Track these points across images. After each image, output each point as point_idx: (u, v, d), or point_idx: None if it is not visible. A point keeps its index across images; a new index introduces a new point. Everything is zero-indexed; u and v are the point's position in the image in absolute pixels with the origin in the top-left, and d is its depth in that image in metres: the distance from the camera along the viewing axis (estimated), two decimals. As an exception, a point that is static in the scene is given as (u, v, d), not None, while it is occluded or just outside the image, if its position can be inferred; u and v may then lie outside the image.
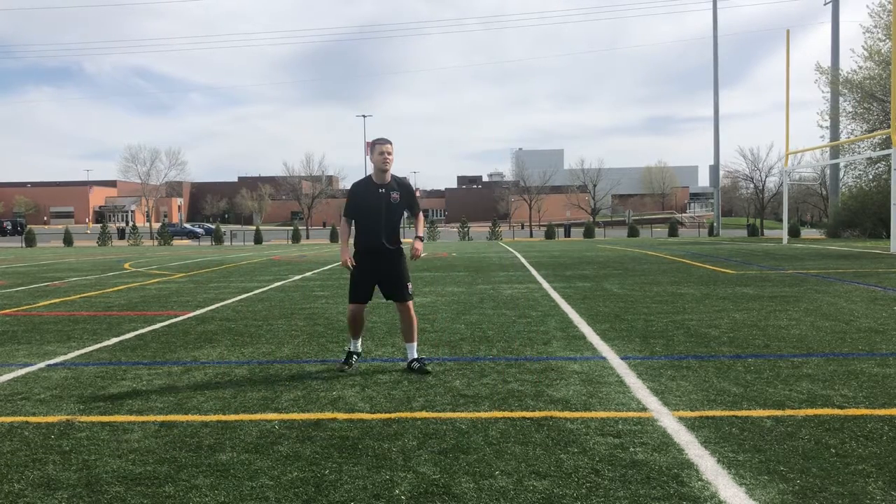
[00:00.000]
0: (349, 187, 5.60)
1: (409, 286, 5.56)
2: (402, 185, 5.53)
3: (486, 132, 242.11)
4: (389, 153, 5.40)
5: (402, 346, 5.88)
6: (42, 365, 5.92)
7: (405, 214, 5.79)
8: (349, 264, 5.47)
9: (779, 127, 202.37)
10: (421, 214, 5.76)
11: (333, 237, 51.88)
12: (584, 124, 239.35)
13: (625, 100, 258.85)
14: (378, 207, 5.38)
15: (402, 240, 5.62)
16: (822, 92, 38.98)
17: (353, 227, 5.57)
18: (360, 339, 5.71)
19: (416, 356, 5.50)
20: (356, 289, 5.50)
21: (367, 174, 5.59)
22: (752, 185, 62.47)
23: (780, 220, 46.72)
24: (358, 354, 5.65)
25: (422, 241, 5.62)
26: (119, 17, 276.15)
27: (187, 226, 77.63)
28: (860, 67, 36.47)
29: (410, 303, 5.54)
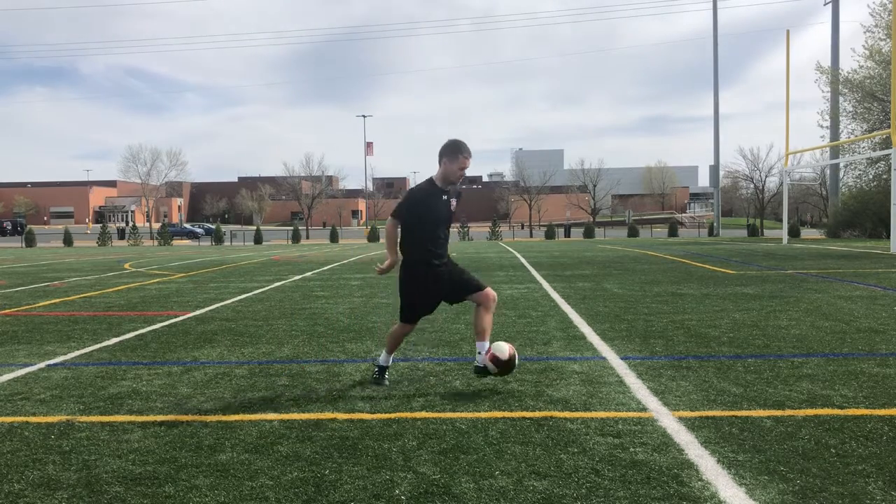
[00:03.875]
0: (408, 191, 4.96)
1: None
2: (458, 193, 5.04)
3: (482, 132, 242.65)
4: (467, 168, 4.85)
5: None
6: (42, 365, 5.92)
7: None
8: (383, 270, 4.91)
9: (775, 127, 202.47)
10: None
11: (333, 237, 51.87)
12: (580, 124, 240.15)
13: (621, 100, 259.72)
14: (442, 217, 4.84)
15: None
16: (823, 92, 39.01)
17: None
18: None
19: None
20: (414, 310, 4.95)
21: (429, 177, 4.95)
22: (752, 186, 62.50)
23: (780, 221, 46.70)
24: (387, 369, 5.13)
25: None
26: (110, 18, 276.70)
27: (187, 226, 77.61)
28: (860, 67, 36.48)
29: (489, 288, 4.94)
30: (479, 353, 4.80)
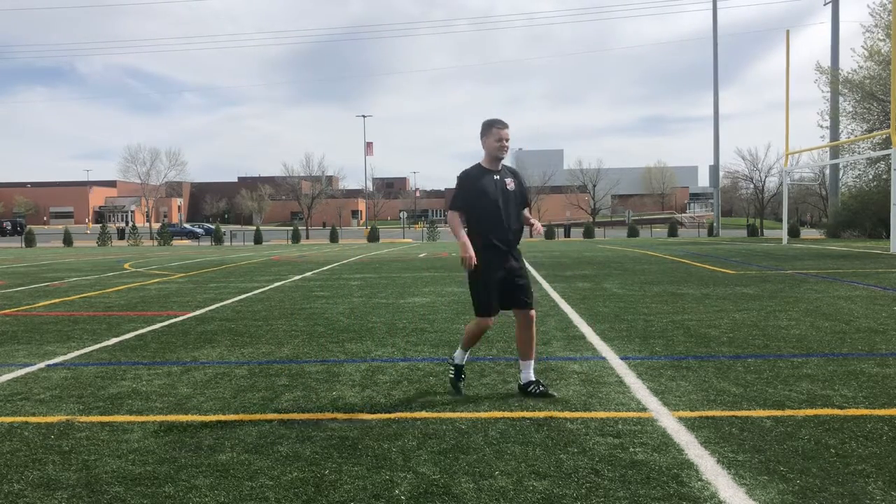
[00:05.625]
0: (459, 176, 4.72)
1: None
2: (514, 172, 4.83)
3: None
4: (508, 139, 4.61)
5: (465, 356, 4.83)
6: (42, 365, 5.92)
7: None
8: (473, 263, 4.51)
9: (774, 127, 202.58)
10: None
11: (333, 237, 51.87)
12: (579, 124, 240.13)
13: (619, 100, 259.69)
14: (496, 196, 4.58)
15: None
16: (822, 92, 39.02)
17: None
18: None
19: (533, 377, 4.67)
20: (490, 297, 4.60)
21: (476, 162, 4.76)
22: (751, 186, 62.51)
23: (780, 221, 46.72)
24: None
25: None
26: (108, 18, 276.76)
27: (187, 226, 77.61)
28: (860, 67, 36.49)
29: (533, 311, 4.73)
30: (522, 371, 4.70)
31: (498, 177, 4.63)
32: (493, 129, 4.60)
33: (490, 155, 4.64)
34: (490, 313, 4.63)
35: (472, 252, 4.50)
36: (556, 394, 4.57)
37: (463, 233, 4.61)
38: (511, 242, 4.63)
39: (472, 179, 4.61)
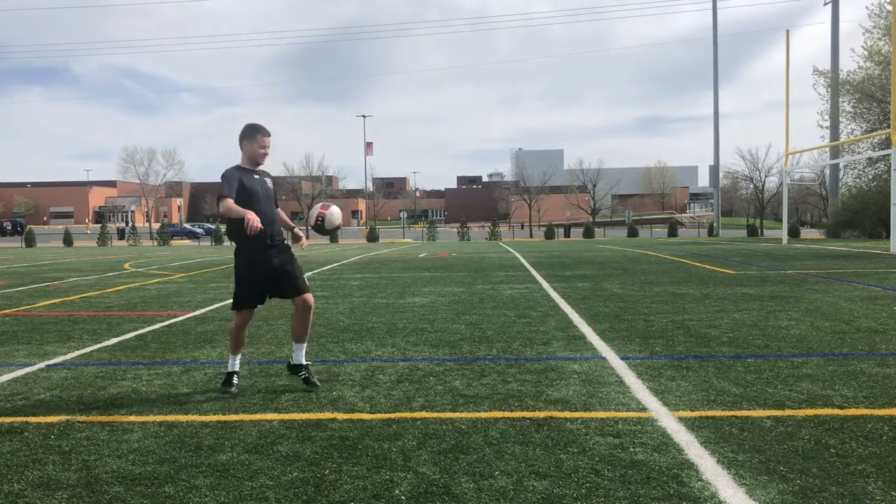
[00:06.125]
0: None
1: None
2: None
3: (479, 133, 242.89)
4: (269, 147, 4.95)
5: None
6: (42, 365, 5.92)
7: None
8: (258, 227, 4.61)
9: (773, 126, 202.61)
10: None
11: (333, 237, 51.82)
12: (578, 124, 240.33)
13: (618, 100, 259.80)
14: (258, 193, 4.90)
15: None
16: (820, 95, 39.06)
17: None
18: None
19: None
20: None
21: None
22: (751, 186, 62.52)
23: (780, 221, 46.71)
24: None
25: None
26: (103, 18, 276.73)
27: (187, 226, 77.61)
28: (860, 67, 36.51)
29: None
30: (295, 352, 5.03)
31: (258, 176, 4.94)
32: (257, 136, 4.88)
33: (252, 159, 4.92)
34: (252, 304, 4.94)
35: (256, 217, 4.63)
36: (318, 383, 4.89)
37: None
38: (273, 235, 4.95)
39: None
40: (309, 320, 5.03)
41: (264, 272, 4.87)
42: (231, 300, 5.05)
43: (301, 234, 5.15)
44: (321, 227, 5.13)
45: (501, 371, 5.37)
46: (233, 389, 4.81)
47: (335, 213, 5.15)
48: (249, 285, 4.89)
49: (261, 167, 5.01)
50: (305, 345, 5.04)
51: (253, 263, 4.86)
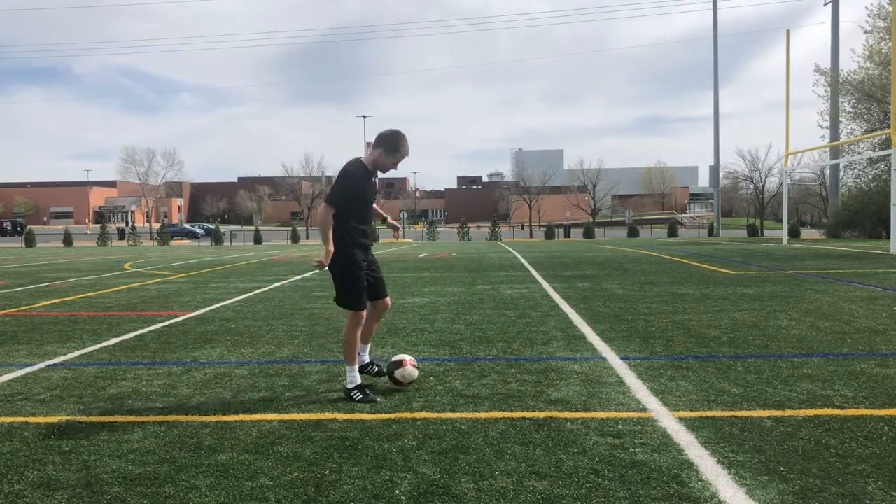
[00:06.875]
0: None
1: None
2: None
3: (478, 133, 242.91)
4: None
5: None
6: (42, 365, 5.92)
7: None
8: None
9: (773, 126, 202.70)
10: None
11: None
12: (579, 124, 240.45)
13: (618, 100, 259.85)
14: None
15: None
16: (819, 96, 39.06)
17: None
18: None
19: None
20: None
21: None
22: (751, 186, 62.54)
23: (780, 221, 46.72)
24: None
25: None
26: (104, 18, 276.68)
27: (187, 226, 77.65)
28: (860, 68, 36.50)
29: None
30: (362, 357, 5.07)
31: (375, 178, 4.91)
32: (398, 153, 4.77)
33: (377, 165, 4.82)
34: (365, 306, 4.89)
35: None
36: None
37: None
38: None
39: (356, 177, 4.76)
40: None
41: (367, 271, 4.91)
42: (342, 306, 4.90)
43: (397, 224, 5.41)
44: (398, 371, 4.83)
45: (501, 371, 5.36)
46: (378, 399, 4.56)
47: (413, 373, 4.86)
48: (365, 284, 4.87)
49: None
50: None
51: (363, 263, 4.86)
